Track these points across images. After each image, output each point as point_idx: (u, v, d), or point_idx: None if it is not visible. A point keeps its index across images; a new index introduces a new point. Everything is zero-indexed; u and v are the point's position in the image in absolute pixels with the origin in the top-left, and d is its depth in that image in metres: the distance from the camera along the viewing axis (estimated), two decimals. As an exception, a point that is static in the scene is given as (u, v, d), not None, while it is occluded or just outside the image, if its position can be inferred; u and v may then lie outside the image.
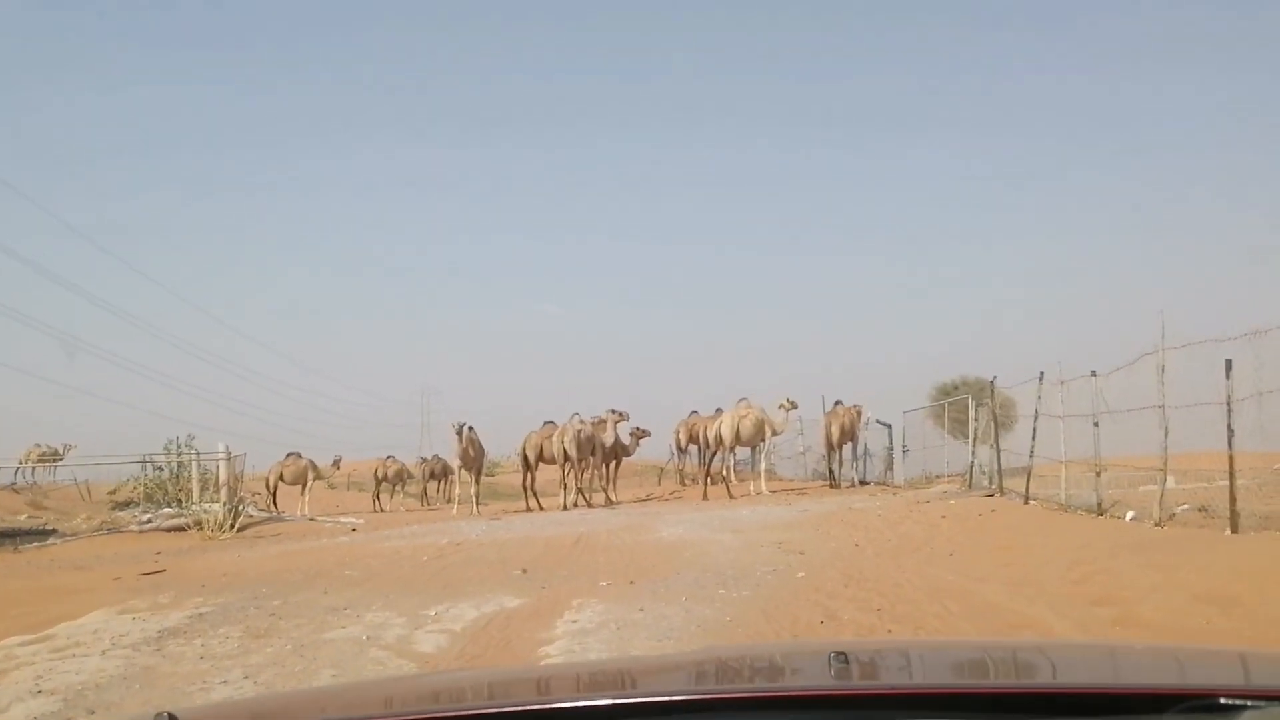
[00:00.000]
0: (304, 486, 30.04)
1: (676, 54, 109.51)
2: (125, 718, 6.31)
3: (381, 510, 31.88)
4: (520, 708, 1.78)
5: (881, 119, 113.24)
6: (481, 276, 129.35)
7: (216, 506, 22.17)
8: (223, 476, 23.97)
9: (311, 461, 31.02)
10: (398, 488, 35.50)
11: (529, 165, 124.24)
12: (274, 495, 29.67)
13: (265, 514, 25.97)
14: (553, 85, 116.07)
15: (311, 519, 25.75)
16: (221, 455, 24.42)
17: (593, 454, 24.37)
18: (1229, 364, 10.76)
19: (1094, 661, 2.32)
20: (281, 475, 30.41)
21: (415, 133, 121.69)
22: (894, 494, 22.63)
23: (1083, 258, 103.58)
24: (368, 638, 8.34)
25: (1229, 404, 10.71)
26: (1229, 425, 10.70)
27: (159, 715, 1.76)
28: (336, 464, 32.99)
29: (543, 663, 7.12)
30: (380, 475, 34.45)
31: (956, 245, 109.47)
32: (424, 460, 38.14)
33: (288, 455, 31.14)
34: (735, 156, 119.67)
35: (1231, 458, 10.66)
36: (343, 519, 25.29)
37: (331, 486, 40.09)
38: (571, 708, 1.72)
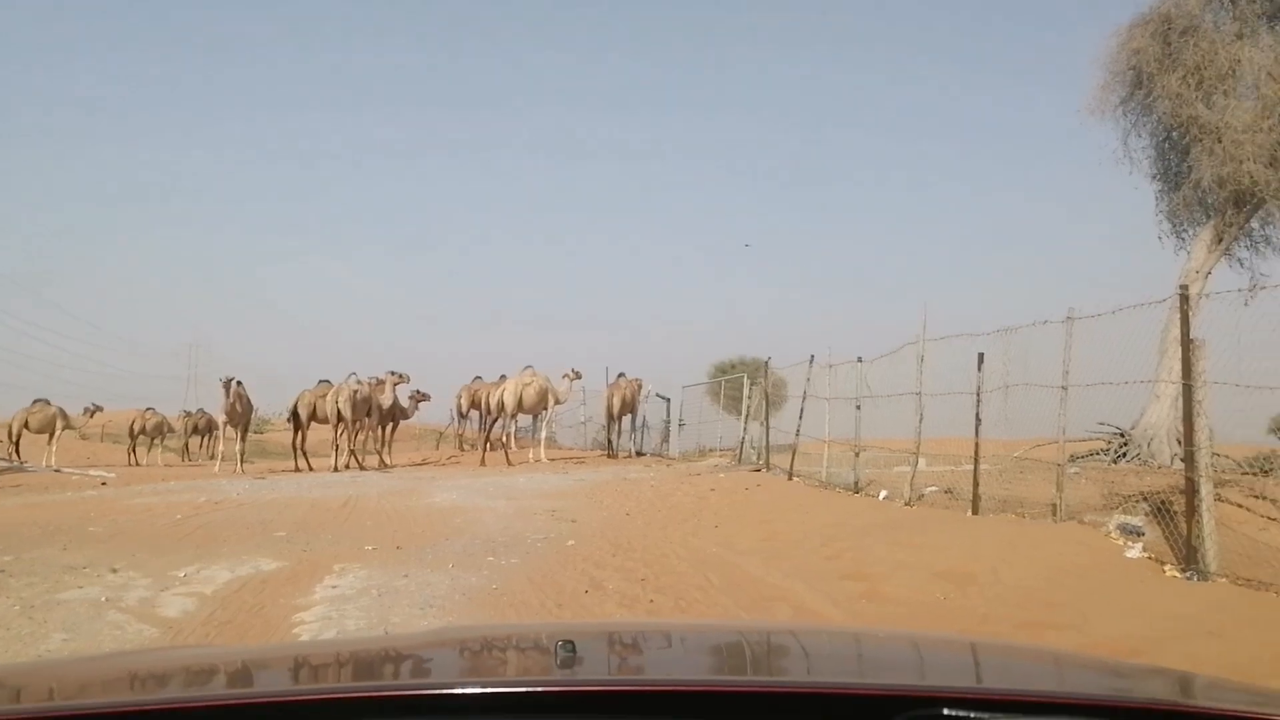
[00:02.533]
0: (52, 436, 27.92)
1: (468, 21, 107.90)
2: None
3: (138, 464, 30.12)
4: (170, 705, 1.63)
5: (679, 103, 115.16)
6: (256, 226, 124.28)
7: (-52, 453, 20.37)
8: (-43, 421, 22.03)
9: (61, 409, 28.86)
10: (157, 441, 33.58)
11: (313, 122, 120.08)
12: (16, 444, 27.50)
13: (5, 463, 24.09)
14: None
15: (58, 470, 24.03)
16: (-44, 398, 22.44)
17: (368, 415, 23.79)
18: (981, 357, 11.48)
19: (829, 654, 2.34)
20: (26, 423, 28.16)
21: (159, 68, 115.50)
22: (668, 466, 23.11)
23: (866, 251, 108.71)
24: (107, 599, 7.82)
25: (978, 394, 11.43)
26: (977, 414, 11.44)
27: None
28: (90, 413, 30.85)
29: (283, 639, 6.87)
30: (138, 428, 32.49)
31: (745, 233, 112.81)
32: (187, 414, 36.27)
33: (35, 402, 28.85)
34: (536, 127, 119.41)
35: (977, 444, 11.40)
36: (93, 471, 23.72)
37: (84, 437, 37.48)
38: (241, 704, 1.60)
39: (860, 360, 15.29)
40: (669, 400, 29.84)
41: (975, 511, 11.03)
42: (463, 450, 29.56)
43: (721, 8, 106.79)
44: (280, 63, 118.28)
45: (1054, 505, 9.95)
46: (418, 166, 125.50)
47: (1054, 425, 10.67)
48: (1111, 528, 8.83)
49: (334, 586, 8.37)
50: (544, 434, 25.96)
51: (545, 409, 25.29)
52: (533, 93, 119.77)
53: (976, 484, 11.25)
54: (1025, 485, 11.97)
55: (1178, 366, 14.67)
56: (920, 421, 12.90)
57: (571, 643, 1.77)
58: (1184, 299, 8.23)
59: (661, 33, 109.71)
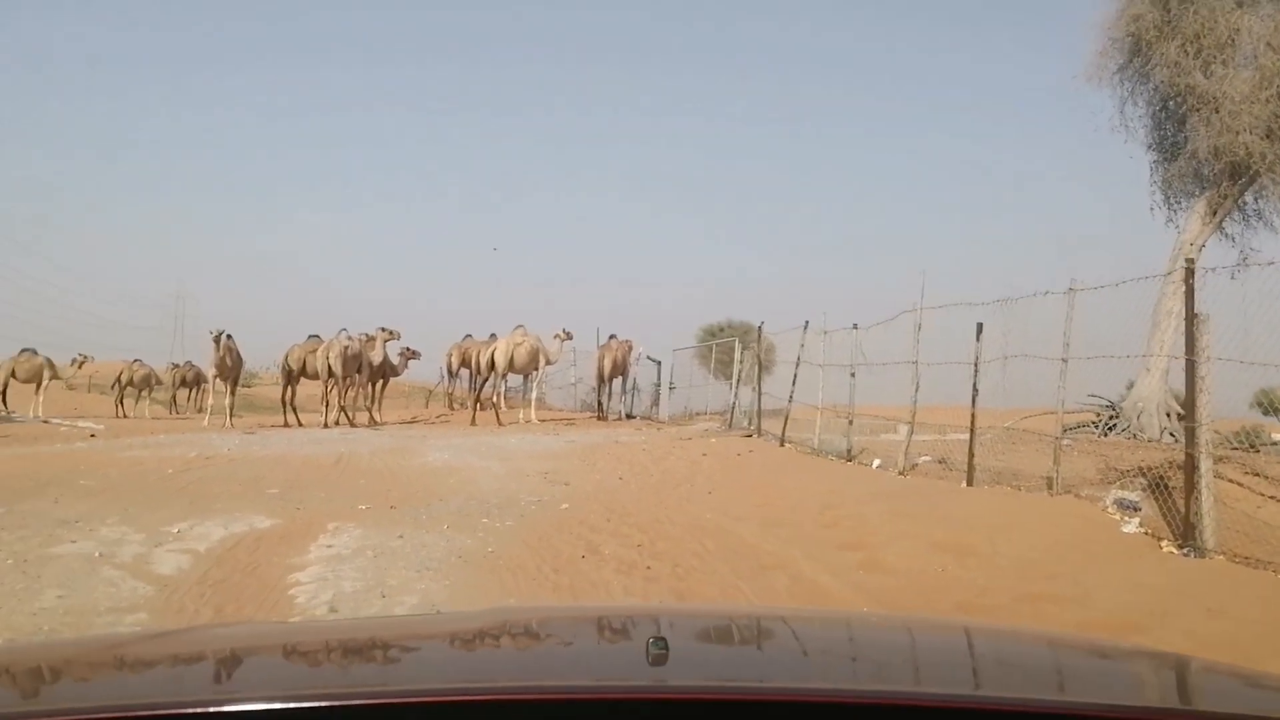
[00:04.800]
0: (39, 386, 27.71)
1: None
2: None
3: (125, 416, 29.97)
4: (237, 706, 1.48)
5: (684, 64, 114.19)
6: (246, 179, 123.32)
7: (-67, 402, 20.20)
8: (-57, 370, 21.84)
9: (49, 359, 28.64)
10: (144, 393, 33.38)
11: (305, 74, 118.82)
12: (3, 393, 27.35)
13: (-9, 414, 23.95)
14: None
15: (45, 421, 23.93)
16: (-58, 347, 22.22)
17: (359, 371, 23.68)
18: (980, 327, 11.44)
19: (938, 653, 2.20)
20: (13, 372, 27.95)
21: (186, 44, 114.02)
22: (658, 429, 23.10)
23: (861, 219, 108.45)
24: (101, 554, 7.77)
25: (976, 364, 11.40)
26: (974, 384, 11.41)
27: None
28: (78, 363, 30.64)
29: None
30: (125, 379, 32.29)
31: (738, 198, 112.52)
32: (175, 366, 36.08)
33: (21, 351, 28.63)
34: (526, 93, 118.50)
35: (974, 415, 11.38)
36: (81, 423, 23.62)
37: (70, 388, 37.27)
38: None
39: (856, 327, 15.24)
40: (659, 363, 29.82)
41: (970, 483, 11.04)
42: (452, 409, 29.48)
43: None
44: (277, 16, 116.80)
45: (1050, 478, 9.96)
46: (414, 118, 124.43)
47: (1048, 396, 10.68)
48: (1108, 502, 8.85)
49: (329, 546, 8.33)
50: (534, 394, 25.92)
51: (536, 369, 25.23)
52: (531, 47, 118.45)
53: (972, 455, 11.24)
54: (1019, 457, 11.99)
55: (1169, 339, 14.86)
56: (916, 390, 12.89)
57: (664, 639, 1.68)
58: (1189, 273, 8.18)
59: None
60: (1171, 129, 17.61)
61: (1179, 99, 16.82)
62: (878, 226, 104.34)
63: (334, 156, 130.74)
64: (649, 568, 7.68)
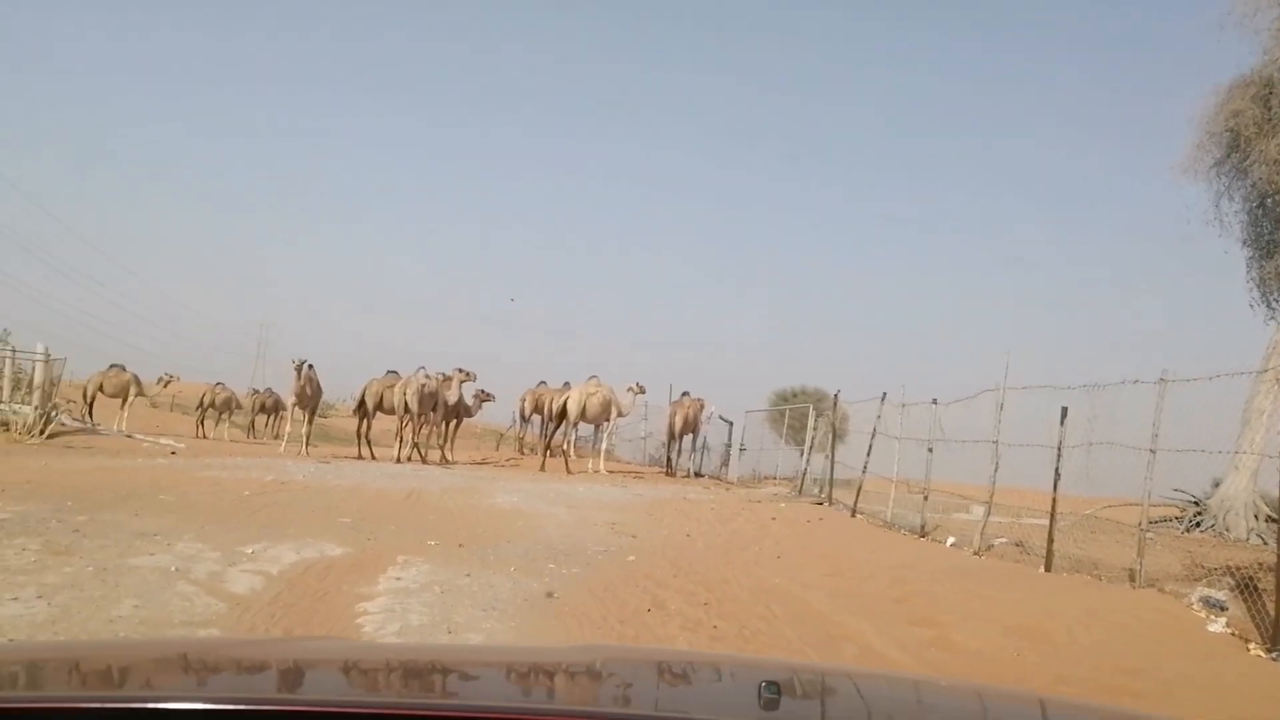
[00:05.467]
0: (125, 401, 28.52)
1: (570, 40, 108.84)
2: None
3: (205, 437, 30.66)
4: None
5: (767, 146, 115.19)
6: (336, 221, 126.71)
7: (27, 409, 20.84)
8: (38, 378, 22.54)
9: (136, 376, 29.47)
10: (224, 416, 34.16)
11: (406, 127, 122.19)
12: (91, 406, 28.17)
13: (79, 424, 24.65)
14: (441, 55, 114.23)
15: (129, 436, 24.53)
16: (40, 356, 22.96)
17: (434, 410, 23.94)
18: (1064, 411, 11.20)
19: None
20: (101, 386, 28.83)
21: (295, 80, 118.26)
22: (727, 489, 22.95)
23: (937, 297, 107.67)
24: (176, 569, 7.90)
25: (1059, 448, 11.15)
26: (1057, 468, 11.15)
27: None
28: (164, 382, 31.44)
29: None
30: (208, 401, 33.08)
31: (814, 270, 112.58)
32: (255, 392, 36.84)
33: (111, 367, 29.54)
34: (618, 154, 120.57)
35: (1055, 499, 11.11)
36: (163, 440, 24.17)
37: (154, 405, 38.27)
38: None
39: (935, 402, 15.04)
40: (731, 424, 29.64)
41: (1049, 568, 10.75)
42: (522, 453, 29.62)
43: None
44: (399, 57, 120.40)
45: (1132, 570, 9.66)
46: (500, 173, 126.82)
47: (1131, 487, 10.41)
48: (1194, 599, 8.55)
49: (397, 579, 8.37)
50: (604, 445, 25.96)
51: (607, 420, 25.27)
52: (620, 109, 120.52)
53: (1051, 540, 10.96)
54: (1099, 546, 11.68)
55: (1259, 438, 14.42)
56: (995, 470, 12.65)
57: (776, 684, 1.69)
58: (1291, 371, 7.95)
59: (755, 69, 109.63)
60: (1269, 226, 17.24)
61: (1277, 197, 16.49)
62: (956, 306, 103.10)
63: (426, 202, 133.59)
64: (715, 627, 7.59)
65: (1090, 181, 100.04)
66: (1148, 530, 10.18)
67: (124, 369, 29.39)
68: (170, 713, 1.49)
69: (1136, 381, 10.53)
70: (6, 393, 22.50)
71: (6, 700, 1.53)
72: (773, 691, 1.68)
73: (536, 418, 28.82)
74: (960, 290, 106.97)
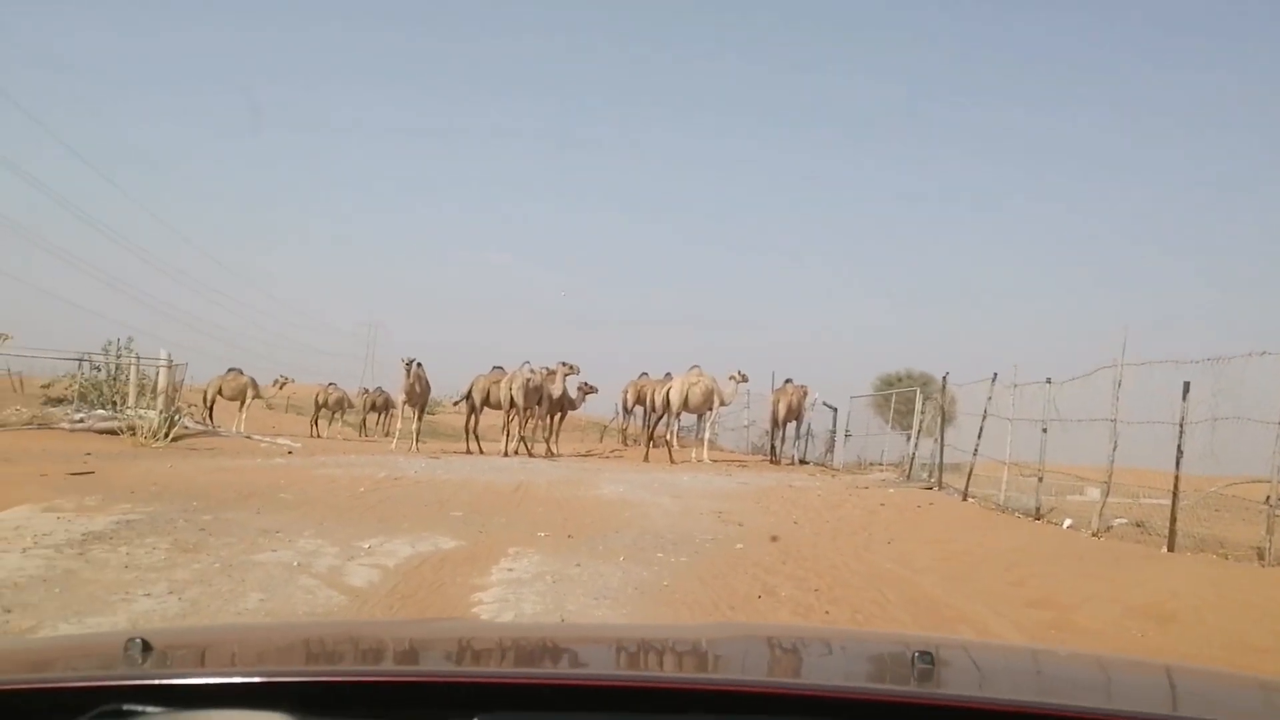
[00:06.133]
0: (243, 404, 29.54)
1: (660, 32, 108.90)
2: (85, 636, 6.04)
3: (319, 436, 31.49)
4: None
5: (864, 127, 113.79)
6: (433, 221, 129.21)
7: (152, 414, 21.67)
8: (161, 383, 23.47)
9: (253, 379, 30.51)
10: (337, 415, 35.07)
11: (490, 123, 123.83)
12: (211, 409, 29.19)
13: (200, 427, 25.54)
14: (525, 49, 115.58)
15: (248, 437, 25.35)
16: (163, 362, 23.90)
17: (539, 404, 24.22)
18: (1186, 386, 10.81)
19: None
20: (221, 389, 29.89)
21: (389, 86, 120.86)
22: (832, 476, 22.74)
23: (1043, 275, 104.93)
24: (298, 564, 8.15)
25: (1181, 425, 10.77)
26: (1179, 446, 10.75)
27: (131, 640, 1.65)
28: (280, 384, 32.43)
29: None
30: (321, 401, 33.99)
31: (917, 252, 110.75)
32: (366, 391, 37.71)
33: (229, 370, 30.61)
34: (713, 142, 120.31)
35: (1177, 478, 10.73)
36: (279, 440, 24.94)
37: (270, 407, 39.50)
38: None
39: (1049, 381, 14.66)
40: (835, 410, 29.34)
41: (1171, 548, 10.40)
42: (626, 445, 29.78)
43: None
44: (488, 61, 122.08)
45: (1261, 548, 9.30)
46: (594, 168, 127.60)
47: (1258, 464, 10.00)
48: (1329, 578, 8.20)
49: (510, 570, 8.50)
50: (708, 434, 25.93)
51: (710, 409, 25.22)
52: (716, 100, 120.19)
53: (1174, 519, 10.60)
54: (1224, 524, 11.25)
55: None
56: (1114, 450, 12.27)
57: (930, 654, 1.70)
58: None
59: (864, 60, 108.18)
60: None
61: None
62: (1070, 284, 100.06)
63: (520, 200, 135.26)
64: (827, 612, 7.54)
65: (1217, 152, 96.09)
66: (1277, 507, 9.78)
67: (241, 372, 30.42)
68: (315, 685, 1.55)
69: (1265, 353, 10.11)
70: (132, 398, 23.48)
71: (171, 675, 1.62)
72: (926, 661, 1.69)
73: (639, 409, 28.94)
74: (1074, 265, 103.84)
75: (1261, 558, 9.22)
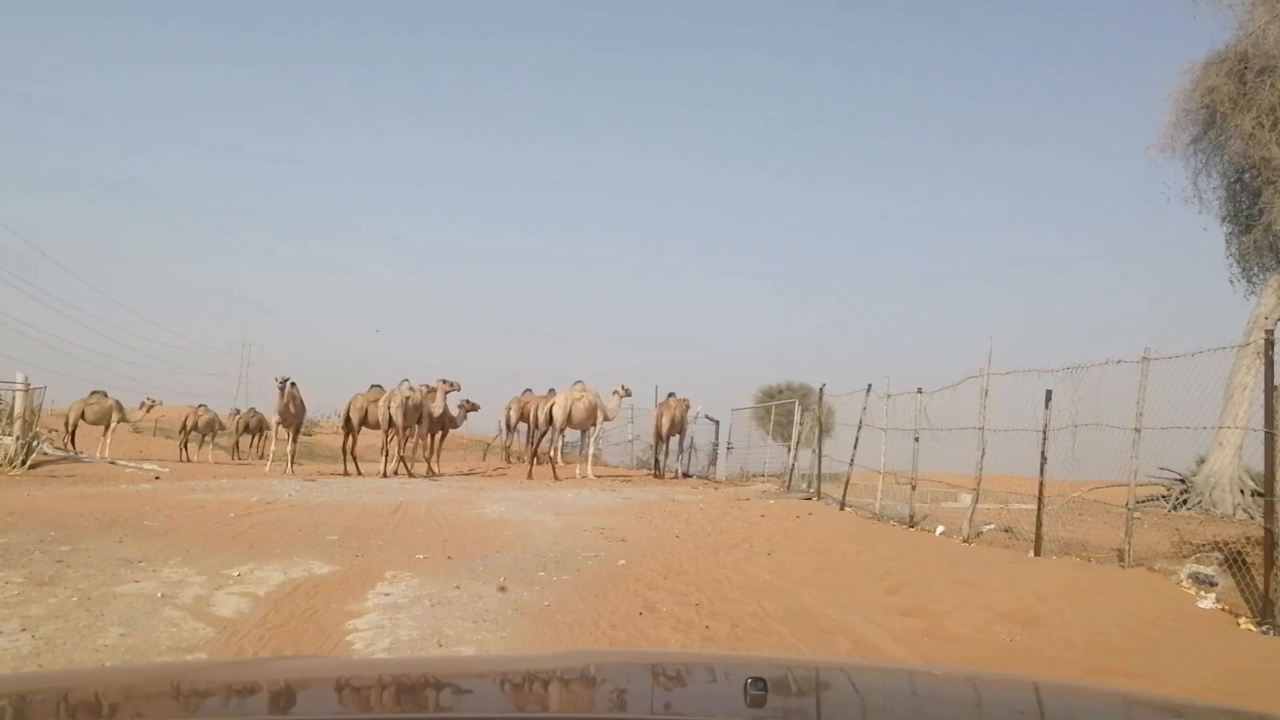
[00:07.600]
0: (107, 428, 28.33)
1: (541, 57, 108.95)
2: None
3: (189, 460, 30.46)
4: None
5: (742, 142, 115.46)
6: (312, 230, 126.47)
7: (8, 440, 20.64)
8: (18, 408, 22.33)
9: (118, 402, 29.28)
10: (208, 438, 33.97)
11: (375, 133, 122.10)
12: (73, 434, 27.94)
13: (61, 453, 24.45)
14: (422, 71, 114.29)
15: (112, 463, 24.33)
16: (19, 385, 22.75)
17: (419, 422, 23.85)
18: (1049, 394, 11.22)
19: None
20: (83, 414, 28.62)
21: (278, 99, 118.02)
22: (715, 489, 22.92)
23: (921, 288, 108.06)
24: (163, 595, 7.83)
25: (1045, 432, 11.17)
26: (1043, 452, 11.16)
27: None
28: (147, 407, 31.20)
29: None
30: (190, 424, 32.90)
31: (798, 262, 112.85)
32: (238, 412, 36.64)
33: (92, 393, 29.31)
34: (588, 156, 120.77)
35: (1042, 484, 11.12)
36: (146, 465, 24.02)
37: (137, 431, 38.01)
38: None
39: (920, 391, 15.05)
40: (717, 423, 29.66)
41: (1038, 553, 10.76)
42: (509, 462, 29.54)
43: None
44: (365, 78, 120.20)
45: (1121, 550, 9.67)
46: (473, 179, 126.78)
47: (1118, 468, 10.42)
48: (1183, 576, 8.55)
49: (386, 594, 8.32)
50: (592, 450, 25.89)
51: (594, 425, 25.19)
52: (588, 113, 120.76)
53: (1040, 524, 10.97)
54: (1087, 528, 11.69)
55: (1242, 413, 14.49)
56: (982, 457, 12.66)
57: (763, 680, 1.68)
58: (1269, 344, 7.97)
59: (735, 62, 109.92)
60: (1246, 201, 17.36)
61: (1254, 171, 16.59)
62: (938, 298, 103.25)
63: (402, 212, 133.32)
64: (707, 627, 7.57)
65: (1069, 162, 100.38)
66: (1135, 510, 10.20)
67: (105, 395, 29.18)
68: None
69: (1120, 361, 10.54)
70: (-13, 425, 22.30)
71: None
72: (759, 688, 1.68)
73: (523, 425, 28.77)
74: (944, 281, 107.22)
75: (1121, 559, 9.59)
